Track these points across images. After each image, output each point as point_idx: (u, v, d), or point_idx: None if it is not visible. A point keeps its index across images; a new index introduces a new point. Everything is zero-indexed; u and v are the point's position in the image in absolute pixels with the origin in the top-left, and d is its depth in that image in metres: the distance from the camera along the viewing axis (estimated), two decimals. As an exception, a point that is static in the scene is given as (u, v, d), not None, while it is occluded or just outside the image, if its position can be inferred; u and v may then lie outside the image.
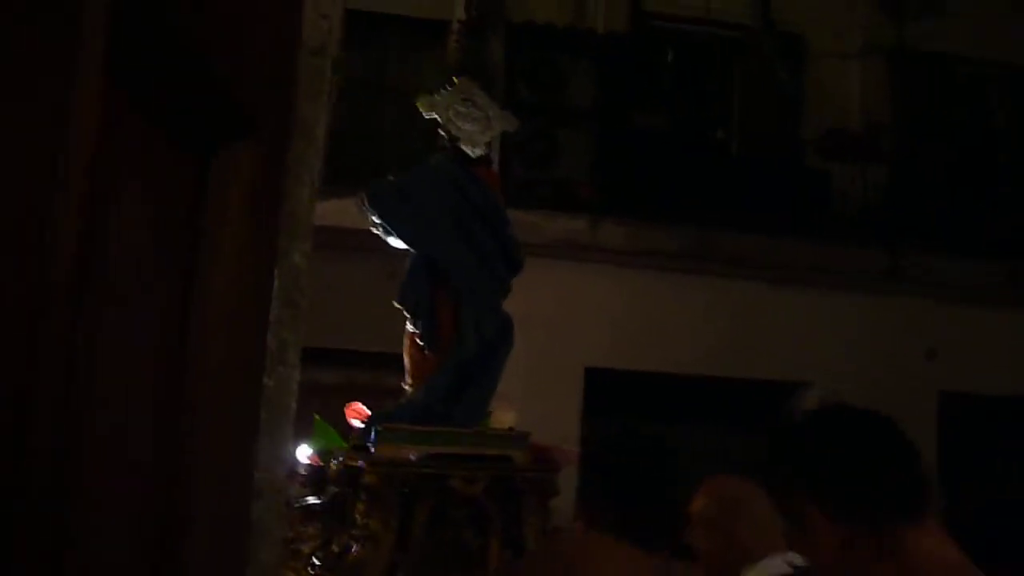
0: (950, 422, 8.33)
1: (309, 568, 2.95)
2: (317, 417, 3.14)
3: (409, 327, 3.17)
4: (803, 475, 1.17)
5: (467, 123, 3.23)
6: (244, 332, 1.43)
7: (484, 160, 3.30)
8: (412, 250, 3.13)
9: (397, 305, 3.12)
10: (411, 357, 3.17)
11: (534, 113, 8.58)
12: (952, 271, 8.18)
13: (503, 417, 8.09)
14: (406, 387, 3.19)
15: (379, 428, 2.90)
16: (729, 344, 8.06)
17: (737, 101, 9.24)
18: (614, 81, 8.84)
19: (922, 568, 1.05)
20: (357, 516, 2.86)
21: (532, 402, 7.76)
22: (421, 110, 3.32)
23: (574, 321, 7.81)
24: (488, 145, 3.38)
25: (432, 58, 8.62)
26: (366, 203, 3.15)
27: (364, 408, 3.15)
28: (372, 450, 2.87)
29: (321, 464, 3.15)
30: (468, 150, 3.23)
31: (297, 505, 3.07)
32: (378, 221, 3.13)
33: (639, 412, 7.86)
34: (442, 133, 3.32)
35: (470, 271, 3.11)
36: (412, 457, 2.83)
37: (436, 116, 3.28)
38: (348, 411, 3.15)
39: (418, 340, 3.16)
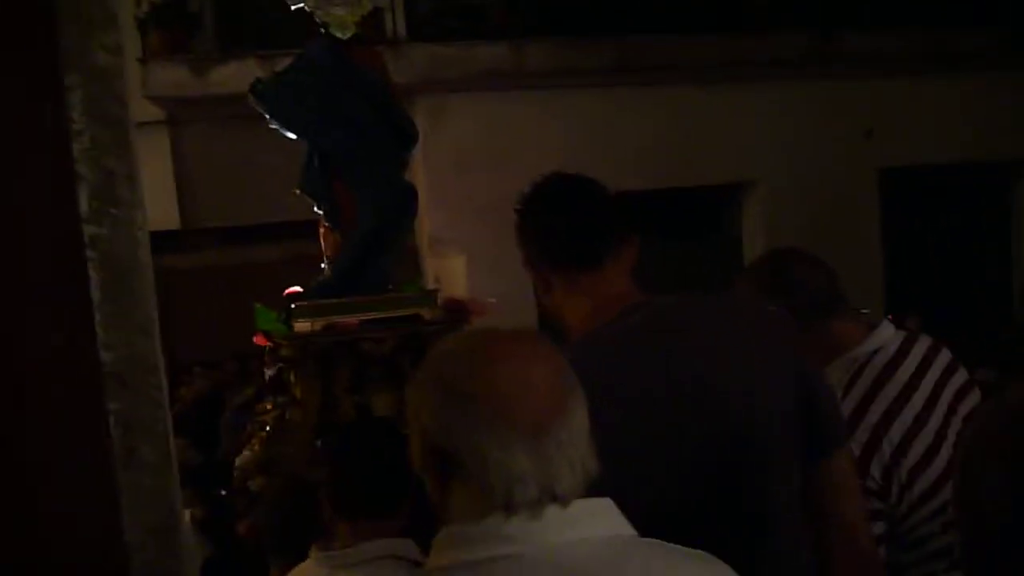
0: (892, 197, 8.42)
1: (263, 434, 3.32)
2: (257, 305, 3.28)
3: (315, 210, 3.38)
4: (531, 243, 1.49)
5: (335, 6, 3.30)
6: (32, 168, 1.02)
7: (359, 40, 3.32)
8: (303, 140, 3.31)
9: (298, 192, 3.32)
10: (323, 238, 3.40)
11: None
12: (880, 45, 8.00)
13: (453, 264, 7.97)
14: (323, 267, 3.42)
15: (293, 306, 3.16)
16: (668, 154, 7.90)
17: None
18: None
19: (602, 297, 1.39)
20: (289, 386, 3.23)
21: (483, 246, 7.62)
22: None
23: (508, 153, 7.52)
24: (363, 23, 3.33)
25: None
26: (253, 100, 3.22)
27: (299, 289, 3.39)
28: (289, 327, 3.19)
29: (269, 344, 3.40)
30: (339, 34, 3.28)
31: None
32: (268, 117, 3.24)
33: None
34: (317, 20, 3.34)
35: (357, 154, 3.27)
36: (318, 328, 3.12)
37: (303, 5, 3.28)
38: (285, 293, 3.36)
39: (325, 222, 3.39)
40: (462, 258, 7.68)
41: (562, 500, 0.92)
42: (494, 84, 7.48)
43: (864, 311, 6.83)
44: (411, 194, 3.38)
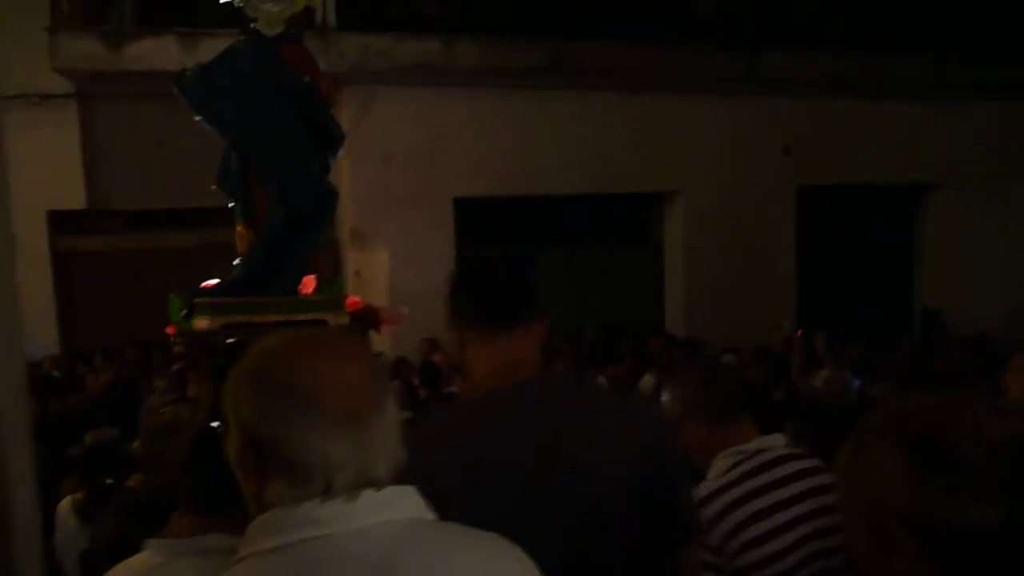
0: (807, 213, 8.66)
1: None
2: (172, 296, 3.20)
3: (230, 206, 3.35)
4: (456, 299, 1.58)
5: (265, 2, 3.27)
6: None
7: (289, 37, 3.29)
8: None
9: (214, 188, 3.28)
10: (237, 234, 3.35)
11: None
12: (805, 67, 8.21)
13: (375, 258, 7.83)
14: (235, 264, 3.37)
15: (195, 301, 3.13)
16: (594, 160, 7.92)
17: None
18: None
19: (508, 361, 1.50)
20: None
21: (405, 241, 7.50)
22: None
23: (434, 148, 7.43)
24: (294, 20, 3.28)
25: None
26: (177, 92, 3.15)
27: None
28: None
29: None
30: (266, 30, 3.23)
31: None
32: (190, 109, 3.18)
33: (511, 237, 7.72)
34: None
35: (277, 154, 3.25)
36: (212, 326, 3.08)
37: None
38: (202, 286, 3.28)
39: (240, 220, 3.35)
40: (384, 252, 7.56)
41: (377, 485, 0.98)
42: (423, 78, 7.37)
43: (784, 324, 6.90)
44: (331, 196, 3.33)
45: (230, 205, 3.35)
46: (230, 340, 3.01)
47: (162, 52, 6.84)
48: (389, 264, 7.42)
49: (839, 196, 8.83)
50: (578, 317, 7.49)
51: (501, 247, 7.11)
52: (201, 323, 3.06)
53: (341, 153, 3.43)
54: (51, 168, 7.11)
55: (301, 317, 3.14)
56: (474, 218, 7.66)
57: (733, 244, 8.19)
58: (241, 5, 3.18)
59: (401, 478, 1.00)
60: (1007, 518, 0.82)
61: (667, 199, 8.61)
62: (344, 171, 7.00)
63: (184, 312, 3.16)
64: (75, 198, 7.36)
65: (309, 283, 3.33)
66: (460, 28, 7.48)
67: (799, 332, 6.15)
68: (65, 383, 6.04)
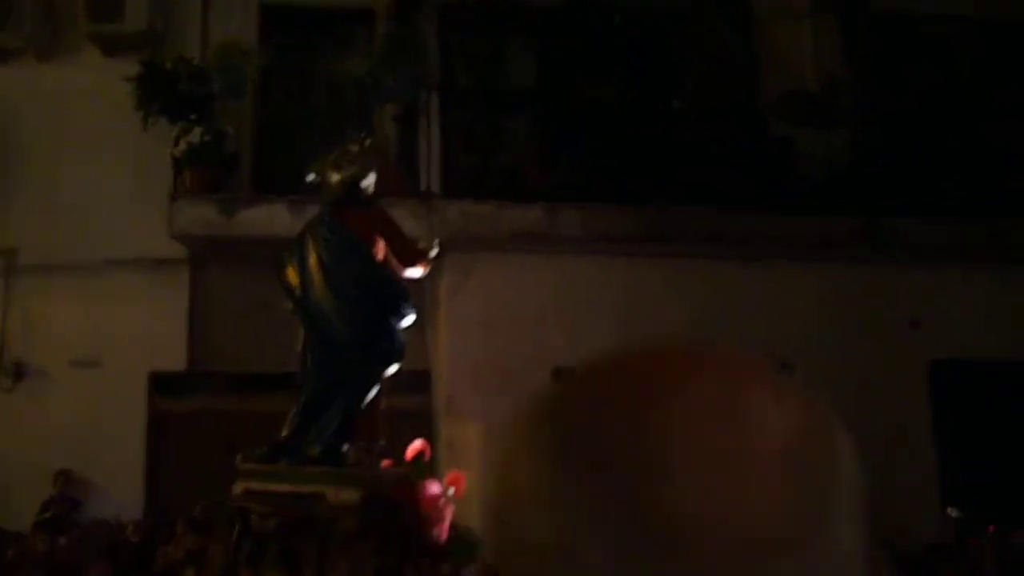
0: (942, 390, 7.90)
1: None
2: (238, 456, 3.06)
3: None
4: None
5: (335, 173, 3.74)
6: None
7: (360, 203, 3.69)
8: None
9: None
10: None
11: (474, 97, 7.99)
12: (926, 233, 7.75)
13: (469, 431, 7.48)
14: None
15: (238, 466, 3.39)
16: (703, 331, 7.52)
17: (688, 72, 8.72)
18: (555, 57, 8.27)
19: None
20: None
21: (503, 413, 7.16)
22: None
23: (538, 319, 7.20)
24: (352, 183, 3.65)
25: (360, 49, 7.98)
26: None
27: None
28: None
29: None
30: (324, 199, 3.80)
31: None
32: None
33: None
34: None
35: (317, 321, 3.53)
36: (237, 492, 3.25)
37: (315, 176, 3.84)
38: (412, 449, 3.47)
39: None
40: (480, 426, 7.22)
41: None
42: (525, 245, 7.27)
43: (953, 512, 5.98)
44: (373, 376, 3.42)
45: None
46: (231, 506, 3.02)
47: (272, 218, 7.01)
48: (484, 437, 7.07)
49: (977, 371, 8.06)
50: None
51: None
52: (238, 488, 3.11)
53: (411, 318, 3.41)
54: (157, 330, 7.24)
55: (302, 489, 3.09)
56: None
57: (857, 423, 7.48)
58: (316, 183, 3.61)
59: None
60: None
61: (780, 374, 8.04)
62: (441, 338, 6.83)
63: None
64: (177, 360, 7.41)
65: (414, 450, 3.45)
66: (562, 196, 7.44)
67: (991, 528, 5.31)
68: (145, 551, 5.81)
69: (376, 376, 3.50)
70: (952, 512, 6.01)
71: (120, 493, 6.93)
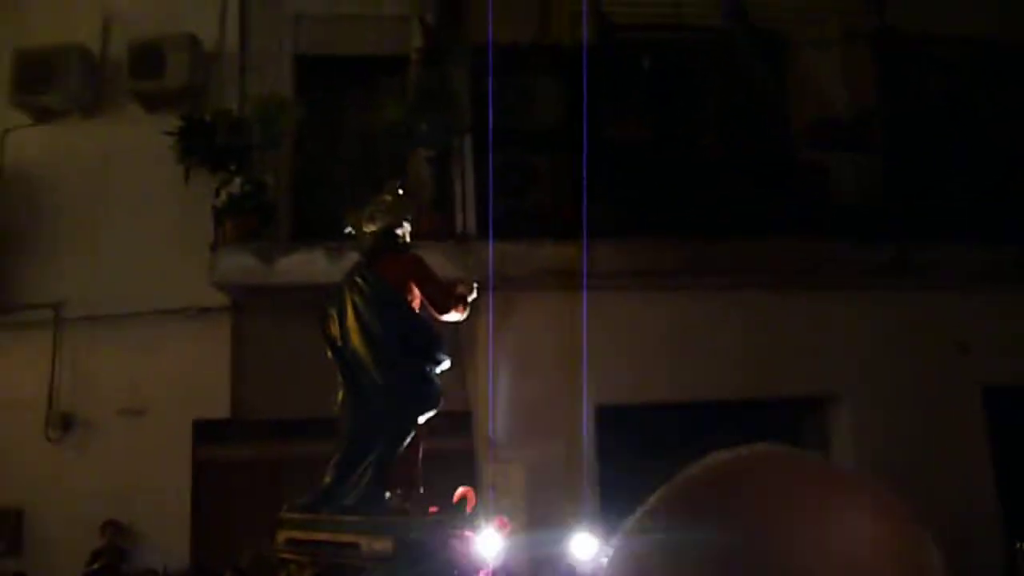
0: (998, 416, 7.68)
1: None
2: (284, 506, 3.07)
3: None
4: None
5: (370, 224, 3.84)
6: None
7: (396, 249, 3.79)
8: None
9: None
10: None
11: (506, 138, 8.05)
12: (960, 259, 7.61)
13: (511, 471, 7.41)
14: None
15: (280, 515, 3.35)
16: (743, 363, 7.43)
17: (719, 104, 8.73)
18: (586, 97, 8.32)
19: None
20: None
21: (539, 448, 7.11)
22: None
23: (577, 357, 7.16)
24: (387, 233, 3.77)
25: (393, 96, 8.11)
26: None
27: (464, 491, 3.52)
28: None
29: None
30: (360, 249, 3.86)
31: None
32: None
33: (654, 448, 7.18)
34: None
35: (353, 369, 3.58)
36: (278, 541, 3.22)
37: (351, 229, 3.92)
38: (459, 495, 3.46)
39: None
40: (521, 465, 7.16)
41: None
42: (561, 282, 7.27)
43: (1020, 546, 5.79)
44: (409, 423, 3.41)
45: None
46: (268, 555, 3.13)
47: (310, 265, 7.09)
48: (526, 477, 7.01)
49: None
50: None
51: (641, 458, 6.57)
52: (280, 537, 3.13)
53: (446, 364, 3.45)
54: (201, 378, 7.32)
55: (339, 539, 3.07)
56: (616, 426, 7.22)
57: (910, 453, 7.30)
58: (353, 233, 3.69)
59: None
60: None
61: (824, 405, 7.89)
62: (482, 376, 6.82)
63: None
64: (220, 407, 7.48)
65: (458, 496, 3.40)
66: (599, 233, 7.44)
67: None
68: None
69: (412, 423, 3.48)
70: (1020, 546, 5.82)
71: (166, 542, 6.96)
